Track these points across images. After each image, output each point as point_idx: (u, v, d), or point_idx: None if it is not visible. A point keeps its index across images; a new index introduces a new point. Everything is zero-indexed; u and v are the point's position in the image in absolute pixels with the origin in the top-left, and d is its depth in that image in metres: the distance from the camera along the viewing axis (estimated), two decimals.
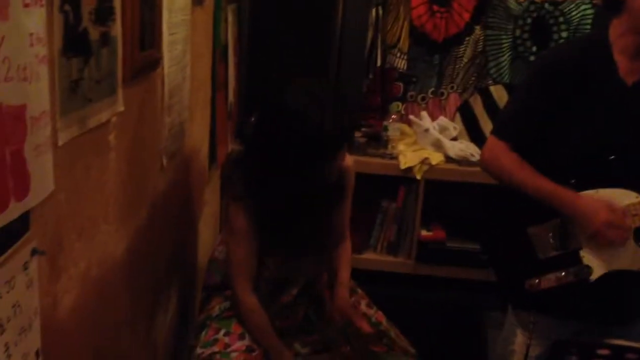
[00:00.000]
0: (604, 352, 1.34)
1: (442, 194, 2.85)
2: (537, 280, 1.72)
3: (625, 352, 1.33)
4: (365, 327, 1.85)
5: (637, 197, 1.70)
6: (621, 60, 1.71)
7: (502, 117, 1.97)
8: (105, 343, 1.32)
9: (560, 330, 1.76)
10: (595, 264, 1.71)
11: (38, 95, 0.87)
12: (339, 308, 1.82)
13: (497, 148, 1.83)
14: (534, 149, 1.80)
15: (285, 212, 1.73)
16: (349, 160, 1.81)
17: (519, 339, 1.90)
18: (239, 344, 1.72)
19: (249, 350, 1.72)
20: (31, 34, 0.84)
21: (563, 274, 1.70)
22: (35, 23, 0.84)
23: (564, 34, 2.85)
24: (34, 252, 0.90)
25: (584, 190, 1.71)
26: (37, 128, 0.86)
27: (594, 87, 1.72)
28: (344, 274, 1.90)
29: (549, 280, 1.71)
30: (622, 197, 1.70)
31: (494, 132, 1.89)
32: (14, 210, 0.81)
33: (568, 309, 1.77)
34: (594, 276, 1.69)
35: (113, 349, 1.38)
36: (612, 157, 1.69)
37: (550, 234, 1.73)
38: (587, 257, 1.72)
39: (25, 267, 0.88)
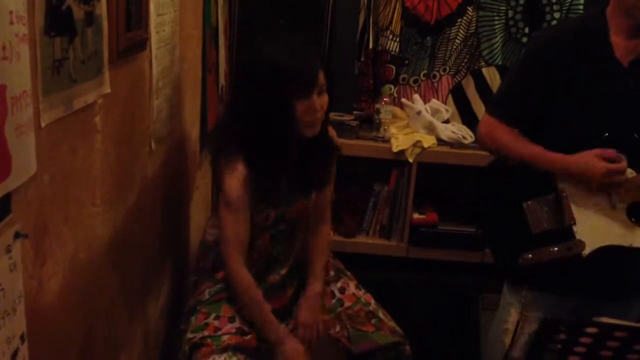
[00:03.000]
0: (592, 330, 1.34)
1: (435, 176, 2.85)
2: (530, 255, 1.72)
3: (613, 330, 1.34)
4: (330, 324, 1.87)
5: (632, 173, 1.70)
6: (617, 40, 1.70)
7: (496, 96, 1.97)
8: (94, 327, 1.31)
9: (557, 307, 1.77)
10: (588, 239, 1.71)
11: (18, 74, 0.85)
12: (303, 322, 1.82)
13: (492, 124, 1.85)
14: (530, 129, 1.80)
15: (275, 168, 1.72)
16: (332, 131, 1.87)
17: (513, 317, 1.91)
18: (229, 327, 1.73)
19: (239, 332, 1.72)
20: (11, 12, 0.81)
21: (556, 248, 1.71)
22: (15, 0, 0.82)
23: (557, 15, 2.83)
24: (17, 235, 0.88)
25: None
26: (17, 108, 0.84)
27: (589, 67, 1.72)
28: (317, 269, 1.88)
29: (543, 254, 1.72)
30: None
31: (488, 110, 1.90)
32: None
33: (564, 285, 1.78)
34: (587, 251, 1.70)
35: (103, 333, 1.38)
36: (606, 134, 1.70)
37: (545, 209, 1.74)
38: (581, 232, 1.72)
39: (8, 250, 0.86)
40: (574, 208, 1.73)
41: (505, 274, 1.98)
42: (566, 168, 1.72)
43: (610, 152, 1.69)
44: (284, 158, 1.71)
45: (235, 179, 1.68)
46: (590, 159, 1.69)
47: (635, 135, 1.71)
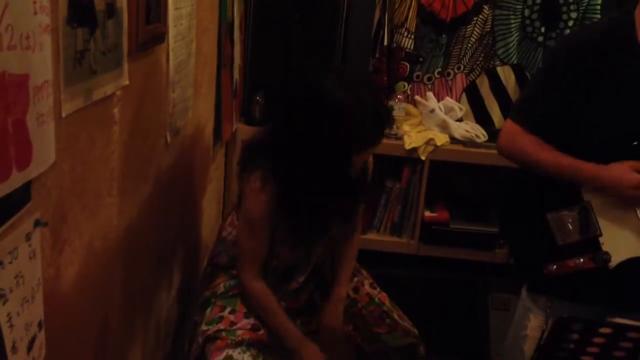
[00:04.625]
0: (605, 330, 1.33)
1: (447, 175, 2.85)
2: (555, 266, 1.70)
3: (627, 330, 1.33)
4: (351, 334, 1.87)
5: None
6: None
7: (519, 101, 1.93)
8: (109, 316, 1.33)
9: (576, 314, 1.75)
10: (615, 251, 1.68)
11: (41, 64, 0.86)
12: (328, 326, 1.83)
13: (514, 132, 1.79)
14: (553, 135, 1.77)
15: (309, 201, 1.66)
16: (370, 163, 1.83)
17: (532, 323, 1.88)
18: (245, 322, 1.73)
19: (254, 328, 1.72)
20: (34, 2, 0.82)
21: (582, 260, 1.68)
22: None
23: (573, 15, 2.81)
24: (36, 223, 0.90)
25: None
26: (39, 98, 0.85)
27: (616, 68, 1.67)
28: (344, 275, 1.87)
29: (568, 266, 1.69)
30: None
31: (511, 116, 1.85)
32: (16, 180, 0.80)
33: (586, 294, 1.75)
34: (613, 262, 1.67)
35: (117, 322, 1.39)
36: (635, 142, 1.65)
37: (570, 220, 1.71)
38: (607, 243, 1.69)
39: (28, 237, 0.88)
40: (600, 219, 1.69)
41: (527, 282, 1.95)
42: (597, 179, 1.67)
43: None
44: (320, 197, 1.67)
45: (262, 201, 1.64)
46: (625, 173, 1.64)
47: None
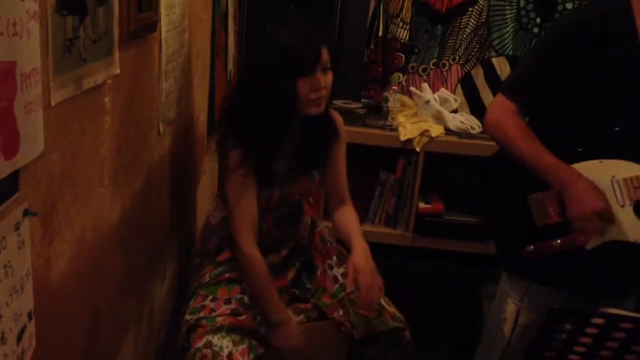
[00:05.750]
0: (598, 320, 1.34)
1: (442, 166, 2.84)
2: (532, 247, 1.71)
3: (620, 321, 1.33)
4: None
5: None
6: None
7: (512, 76, 1.91)
8: (101, 307, 1.32)
9: (552, 299, 1.76)
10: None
11: (29, 52, 0.84)
12: (363, 270, 1.75)
13: (503, 110, 1.77)
14: (541, 114, 1.77)
15: (275, 148, 1.73)
16: (337, 115, 1.88)
17: (510, 307, 1.90)
18: (224, 308, 1.75)
19: (234, 313, 1.74)
20: None
21: (559, 241, 1.69)
22: None
23: (569, 5, 2.80)
24: (25, 212, 0.89)
25: (589, 159, 1.68)
26: (27, 85, 0.84)
27: (611, 52, 1.65)
28: (356, 232, 1.85)
29: (545, 247, 1.70)
30: (626, 168, 1.67)
31: (502, 90, 1.83)
32: (3, 169, 0.79)
33: (562, 278, 1.76)
34: (590, 245, 1.68)
35: (109, 313, 1.38)
36: (617, 128, 1.65)
37: (550, 202, 1.72)
38: None
39: (17, 227, 0.87)
40: None
41: (506, 264, 1.96)
42: (565, 189, 1.67)
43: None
44: (285, 137, 1.73)
45: (236, 157, 1.68)
46: (591, 192, 1.64)
47: None
